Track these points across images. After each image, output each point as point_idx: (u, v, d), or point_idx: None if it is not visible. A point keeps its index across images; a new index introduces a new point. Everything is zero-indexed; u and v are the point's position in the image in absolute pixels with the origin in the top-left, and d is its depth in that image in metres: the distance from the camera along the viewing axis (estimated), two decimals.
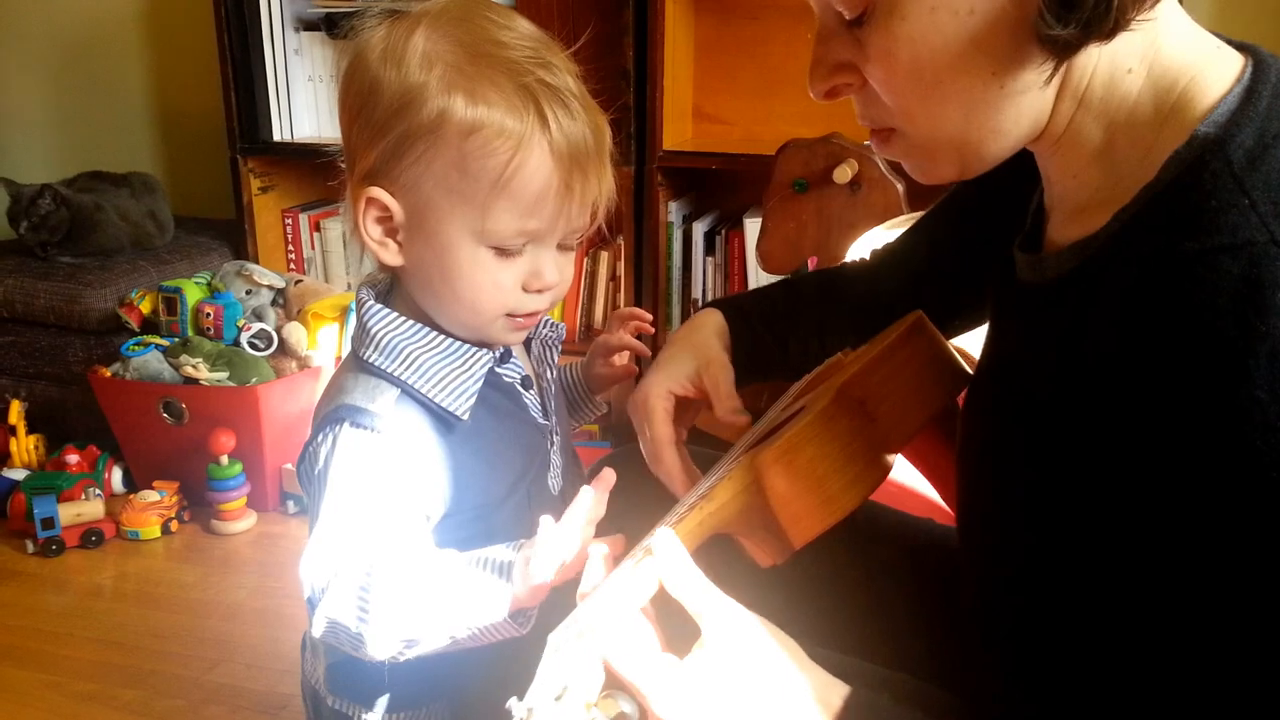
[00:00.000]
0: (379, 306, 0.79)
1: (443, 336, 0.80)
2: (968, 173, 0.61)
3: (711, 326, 0.91)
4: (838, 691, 0.57)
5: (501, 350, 0.83)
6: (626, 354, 0.99)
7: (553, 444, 0.88)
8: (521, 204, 0.74)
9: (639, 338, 0.99)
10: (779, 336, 0.93)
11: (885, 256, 0.96)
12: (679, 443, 0.84)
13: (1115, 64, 0.56)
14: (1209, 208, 0.50)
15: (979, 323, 0.89)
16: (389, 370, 0.77)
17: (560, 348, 0.92)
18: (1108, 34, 0.52)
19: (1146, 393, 0.51)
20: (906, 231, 0.95)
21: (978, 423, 0.71)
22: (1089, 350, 0.56)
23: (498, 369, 0.82)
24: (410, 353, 0.78)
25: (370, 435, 0.75)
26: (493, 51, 0.73)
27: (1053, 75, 0.55)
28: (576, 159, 0.74)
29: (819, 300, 0.96)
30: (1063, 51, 0.53)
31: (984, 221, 0.79)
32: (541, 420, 0.86)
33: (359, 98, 0.75)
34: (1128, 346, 0.52)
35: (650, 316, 1.00)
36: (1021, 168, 0.65)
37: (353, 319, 2.09)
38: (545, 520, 0.68)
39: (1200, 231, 0.50)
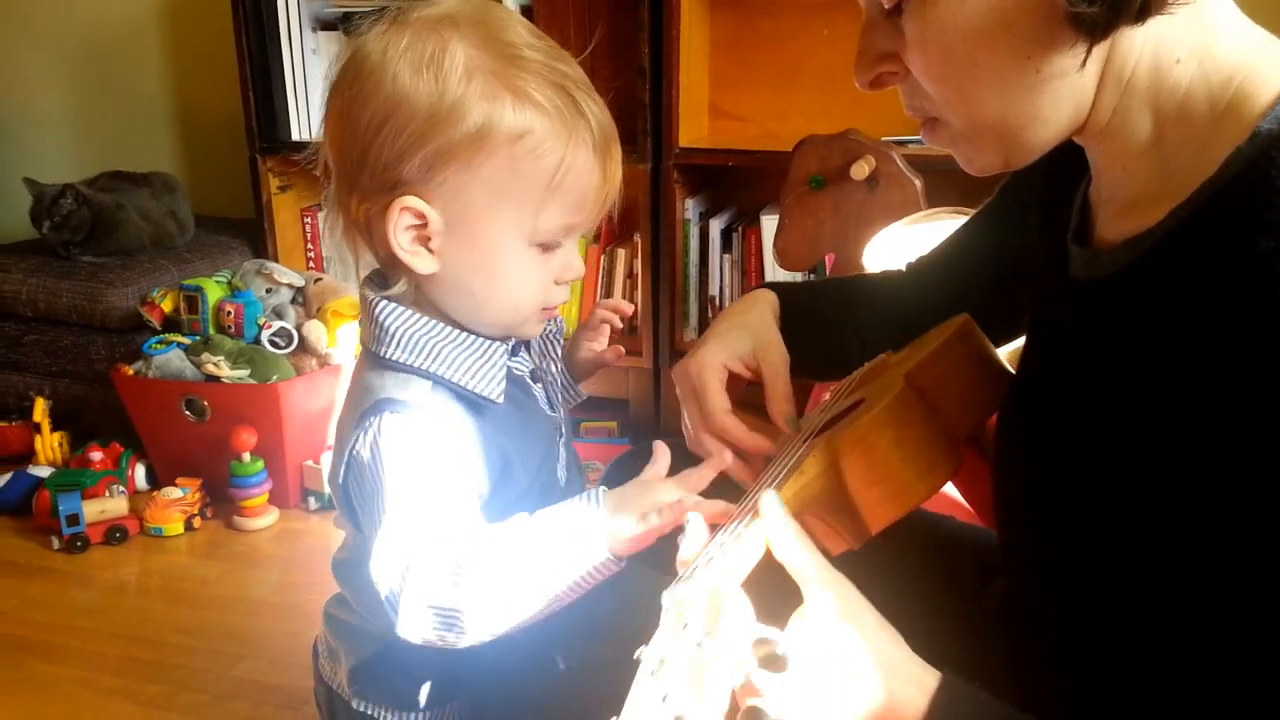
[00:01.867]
0: (394, 305, 0.79)
1: (458, 330, 0.80)
2: (1012, 162, 0.61)
3: (767, 304, 0.91)
4: (932, 675, 0.57)
5: (513, 343, 0.84)
6: (606, 338, 0.98)
7: (560, 436, 0.88)
8: (571, 200, 0.75)
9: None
10: (828, 327, 0.93)
11: (920, 268, 0.96)
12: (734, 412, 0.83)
13: (1162, 53, 0.56)
14: None
15: (1011, 337, 0.89)
16: (415, 364, 0.77)
17: (562, 341, 0.92)
18: (1137, 15, 0.52)
19: (1222, 387, 0.51)
20: (942, 243, 0.95)
21: (1021, 420, 0.71)
22: (1150, 345, 0.56)
23: (510, 361, 0.83)
24: (433, 345, 0.78)
25: (412, 420, 0.74)
26: (521, 54, 0.73)
27: (1086, 58, 0.55)
28: (608, 147, 0.76)
29: (863, 301, 0.96)
30: (1092, 32, 0.53)
31: (1022, 227, 0.79)
32: (550, 413, 0.87)
33: (384, 109, 0.72)
34: (1198, 342, 0.52)
35: (631, 307, 0.98)
36: (1059, 166, 0.65)
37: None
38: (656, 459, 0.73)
39: (1276, 229, 0.50)
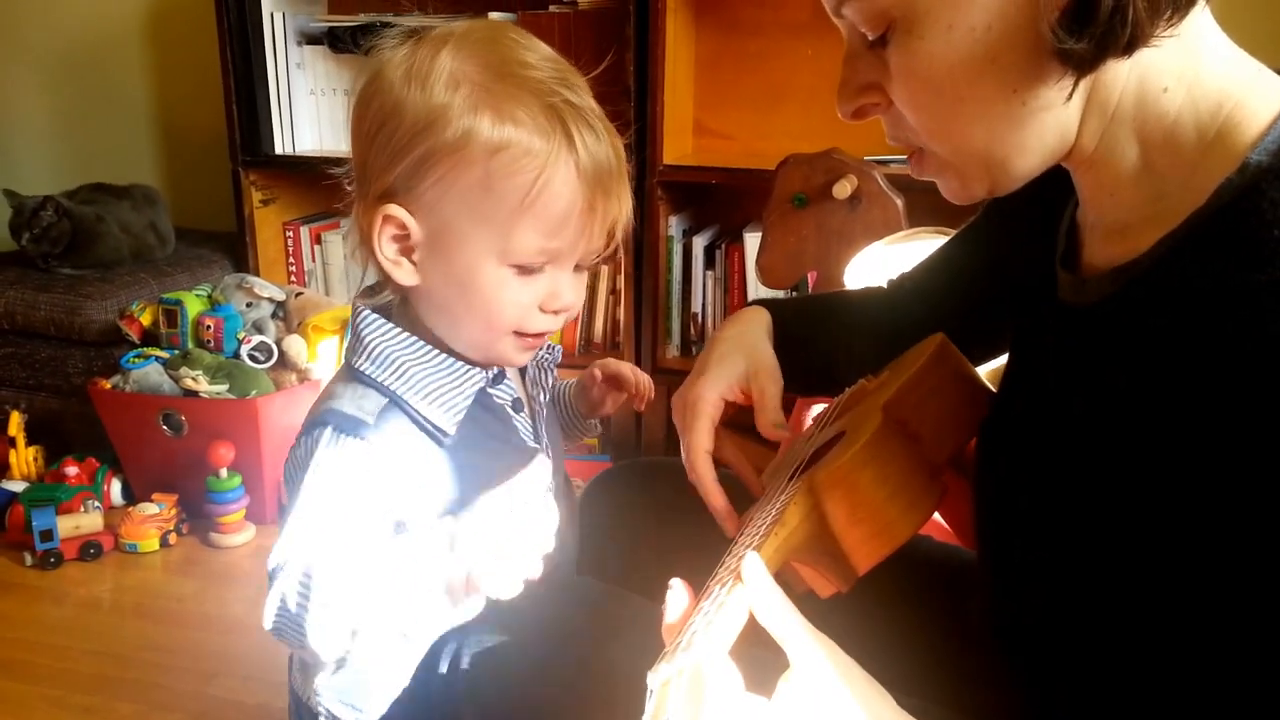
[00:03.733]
0: (376, 317, 0.80)
1: (437, 352, 0.80)
2: (998, 190, 0.61)
3: (761, 323, 0.91)
4: None
5: (495, 371, 0.83)
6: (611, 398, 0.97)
7: None
8: (546, 223, 0.74)
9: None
10: (817, 343, 0.93)
11: (906, 284, 0.96)
12: (722, 445, 0.83)
13: (1148, 82, 0.56)
14: (1272, 239, 0.50)
15: (995, 354, 0.89)
16: (378, 379, 0.77)
17: (555, 371, 0.92)
18: (1125, 50, 0.52)
19: (1209, 416, 0.51)
20: (925, 260, 0.95)
21: (1003, 441, 0.70)
22: (1137, 371, 0.56)
23: (490, 390, 0.82)
24: (402, 363, 0.78)
25: (351, 441, 0.75)
26: (518, 72, 0.73)
27: (1073, 91, 0.55)
28: (600, 179, 0.75)
29: (852, 317, 0.96)
30: (1080, 67, 0.53)
31: (1007, 247, 0.79)
32: (531, 444, 0.86)
33: (379, 117, 0.74)
34: (1186, 371, 0.52)
35: (650, 398, 0.97)
36: (1046, 188, 0.65)
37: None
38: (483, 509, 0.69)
39: (1265, 263, 0.50)
